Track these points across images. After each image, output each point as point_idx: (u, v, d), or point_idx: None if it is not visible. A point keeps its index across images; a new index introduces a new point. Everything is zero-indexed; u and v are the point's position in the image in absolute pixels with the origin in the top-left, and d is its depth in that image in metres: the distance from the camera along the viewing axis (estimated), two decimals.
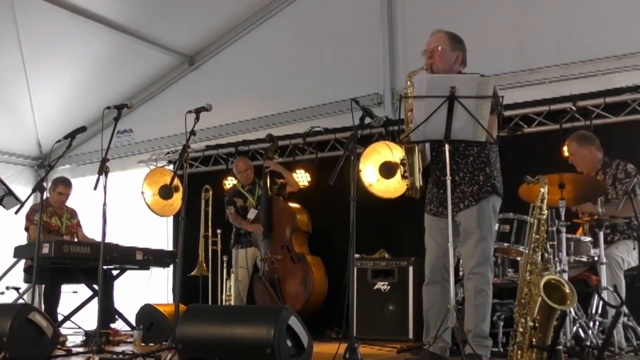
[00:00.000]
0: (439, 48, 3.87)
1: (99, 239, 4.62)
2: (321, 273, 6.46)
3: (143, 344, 5.62)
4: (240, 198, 6.75)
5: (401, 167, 3.91)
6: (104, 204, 4.51)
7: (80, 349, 5.13)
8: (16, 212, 5.54)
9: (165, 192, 6.95)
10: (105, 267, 6.07)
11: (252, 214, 6.63)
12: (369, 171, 6.24)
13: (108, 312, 6.21)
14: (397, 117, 6.57)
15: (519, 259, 4.62)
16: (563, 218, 4.17)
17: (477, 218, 3.75)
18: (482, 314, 3.73)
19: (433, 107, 3.59)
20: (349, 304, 3.88)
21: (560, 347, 3.34)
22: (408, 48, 7.04)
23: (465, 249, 3.81)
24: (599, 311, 4.20)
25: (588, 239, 4.41)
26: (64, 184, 6.62)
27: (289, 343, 3.39)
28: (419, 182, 3.83)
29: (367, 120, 4.10)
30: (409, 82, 3.90)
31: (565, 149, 5.08)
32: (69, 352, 4.76)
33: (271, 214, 6.54)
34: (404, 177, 3.87)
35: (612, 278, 4.33)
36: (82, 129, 5.15)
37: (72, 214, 6.75)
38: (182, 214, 4.59)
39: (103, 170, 4.51)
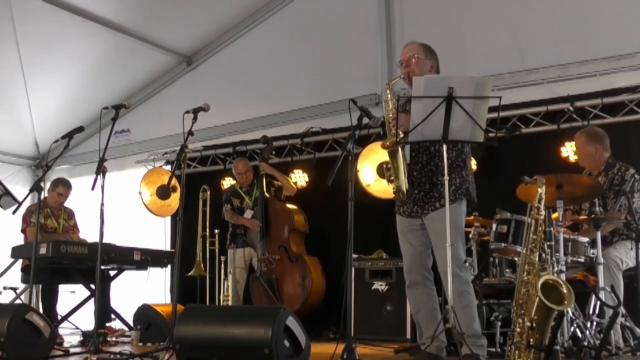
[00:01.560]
0: (415, 56, 3.96)
1: (96, 239, 4.62)
2: (319, 273, 6.46)
3: (141, 344, 5.62)
4: (237, 198, 6.74)
5: (386, 171, 3.91)
6: (102, 204, 4.51)
7: (78, 349, 5.13)
8: (13, 212, 5.54)
9: (163, 193, 6.97)
10: (102, 267, 6.06)
11: (248, 214, 6.62)
12: (366, 171, 6.25)
13: (105, 313, 6.21)
14: None
15: (516, 259, 4.62)
16: (561, 218, 4.17)
17: (449, 219, 3.74)
18: (470, 315, 3.75)
19: (431, 107, 3.59)
20: (347, 304, 3.89)
21: (558, 347, 3.35)
22: None
23: (438, 251, 3.82)
24: (597, 311, 4.20)
25: (586, 239, 4.40)
26: (65, 186, 6.60)
27: (286, 343, 3.40)
28: (405, 185, 3.84)
29: (365, 120, 4.11)
30: (388, 90, 3.98)
31: (573, 142, 5.07)
32: (66, 353, 4.76)
33: (268, 215, 6.53)
34: (389, 181, 3.88)
35: (610, 278, 4.33)
36: (80, 129, 5.15)
37: (70, 214, 6.73)
38: (179, 214, 4.59)
39: (101, 170, 4.51)
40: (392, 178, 3.85)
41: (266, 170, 6.61)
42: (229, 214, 6.68)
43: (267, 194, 6.62)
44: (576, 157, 5.03)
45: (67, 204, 6.72)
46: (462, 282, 3.76)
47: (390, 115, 3.88)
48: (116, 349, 4.99)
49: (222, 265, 6.63)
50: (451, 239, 3.65)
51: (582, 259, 4.38)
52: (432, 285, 3.98)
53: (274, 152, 7.10)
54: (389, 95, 3.95)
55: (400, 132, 3.75)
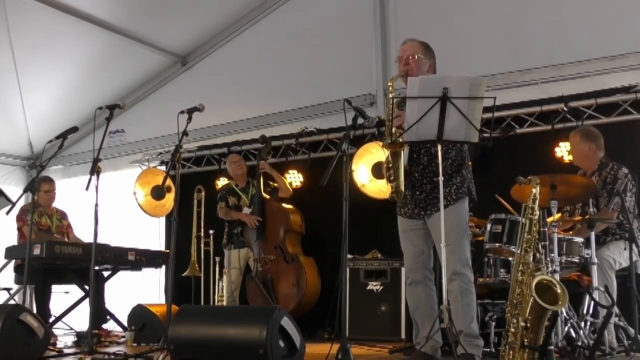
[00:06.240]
0: (415, 56, 3.93)
1: (90, 239, 4.60)
2: (314, 274, 6.45)
3: (135, 345, 5.61)
4: (233, 196, 6.71)
5: (386, 171, 3.91)
6: (96, 205, 4.50)
7: (72, 350, 5.12)
8: (7, 213, 5.52)
9: (158, 193, 6.97)
10: (97, 267, 6.05)
11: (246, 212, 6.61)
12: (361, 172, 6.27)
13: (100, 313, 6.20)
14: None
15: (510, 259, 4.63)
16: (555, 218, 4.18)
17: (453, 219, 3.76)
18: (470, 314, 3.76)
19: (425, 107, 3.60)
20: (342, 305, 3.89)
21: (552, 347, 3.35)
22: None
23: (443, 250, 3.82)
24: (590, 311, 4.21)
25: (580, 239, 4.42)
26: (47, 182, 6.62)
27: (281, 344, 3.40)
28: (402, 186, 3.84)
29: (360, 120, 4.11)
30: (391, 87, 3.92)
31: (567, 142, 5.08)
32: (60, 353, 4.75)
33: (264, 215, 6.51)
34: (389, 180, 3.88)
35: (603, 278, 4.35)
36: (74, 129, 5.14)
37: (62, 215, 6.72)
38: (174, 215, 4.59)
39: (95, 170, 4.51)
40: (392, 178, 3.84)
41: (266, 169, 6.60)
42: (222, 212, 6.63)
43: (263, 194, 6.61)
44: (571, 157, 5.04)
45: (60, 205, 6.70)
46: (466, 281, 3.76)
47: (391, 112, 3.84)
48: (110, 350, 4.98)
49: (217, 265, 6.62)
50: (456, 237, 3.69)
51: (576, 259, 4.39)
52: (432, 285, 3.97)
53: (271, 152, 7.10)
54: (392, 94, 3.88)
55: (395, 129, 3.75)
